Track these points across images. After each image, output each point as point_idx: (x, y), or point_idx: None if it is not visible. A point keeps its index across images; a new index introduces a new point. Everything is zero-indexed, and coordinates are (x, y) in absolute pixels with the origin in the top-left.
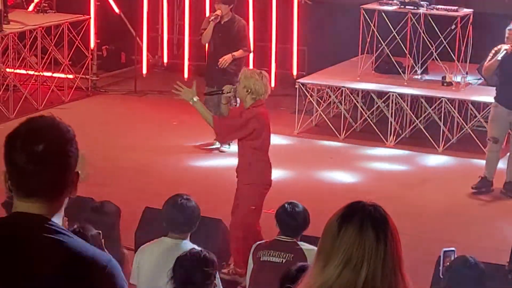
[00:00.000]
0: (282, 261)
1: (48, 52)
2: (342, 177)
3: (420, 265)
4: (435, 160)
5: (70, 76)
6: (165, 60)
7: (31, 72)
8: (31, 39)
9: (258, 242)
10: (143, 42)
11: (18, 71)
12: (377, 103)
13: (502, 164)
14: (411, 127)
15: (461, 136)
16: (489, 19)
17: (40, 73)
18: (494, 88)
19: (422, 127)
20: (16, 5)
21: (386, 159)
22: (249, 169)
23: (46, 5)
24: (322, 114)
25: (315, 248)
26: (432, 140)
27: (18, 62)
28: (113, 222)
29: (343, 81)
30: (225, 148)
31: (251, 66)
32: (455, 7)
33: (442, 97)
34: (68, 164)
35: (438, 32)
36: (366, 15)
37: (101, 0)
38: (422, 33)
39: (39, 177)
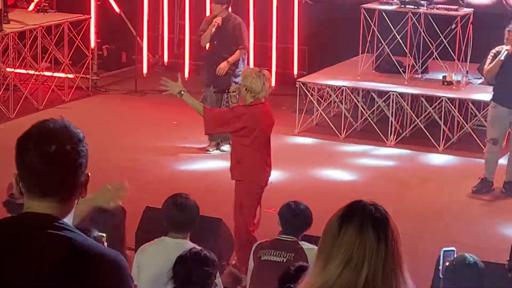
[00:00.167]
0: (283, 260)
1: (49, 51)
2: (342, 176)
3: (420, 265)
4: (435, 159)
5: (71, 76)
6: (166, 59)
7: (31, 72)
8: (31, 38)
9: (259, 241)
10: (143, 42)
11: (18, 70)
12: (377, 102)
13: (503, 160)
14: (411, 126)
15: (462, 135)
16: (489, 19)
17: (41, 72)
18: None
19: (422, 127)
20: (15, 5)
21: (386, 158)
22: (237, 167)
23: (46, 4)
24: (322, 113)
25: (316, 247)
26: (432, 140)
27: (18, 62)
28: (118, 223)
29: (343, 80)
30: (225, 148)
31: (251, 66)
32: (455, 7)
33: (443, 96)
34: (80, 164)
35: (439, 32)
36: (366, 15)
37: None
38: (422, 33)
39: (51, 178)
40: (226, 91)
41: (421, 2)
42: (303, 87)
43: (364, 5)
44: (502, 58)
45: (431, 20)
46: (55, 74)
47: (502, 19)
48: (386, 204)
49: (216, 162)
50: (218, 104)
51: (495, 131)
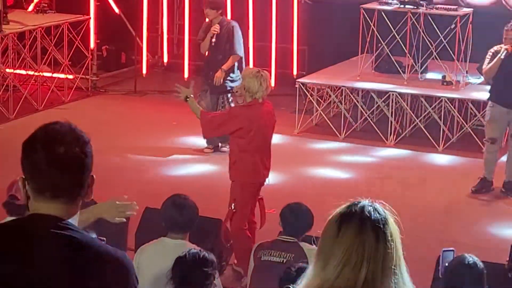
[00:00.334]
0: (283, 261)
1: (48, 52)
2: (342, 176)
3: (420, 265)
4: (435, 159)
5: (70, 76)
6: (165, 60)
7: (30, 73)
8: (31, 39)
9: (260, 242)
10: (143, 42)
11: (18, 71)
12: (377, 102)
13: (504, 158)
14: (411, 126)
15: (461, 135)
16: (489, 19)
17: (40, 73)
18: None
19: (422, 127)
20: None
21: (386, 158)
22: (233, 167)
23: (46, 5)
24: (322, 113)
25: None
26: (432, 140)
27: (18, 63)
28: (121, 226)
29: (343, 80)
30: (226, 149)
31: (251, 66)
32: (455, 7)
33: (442, 96)
34: (87, 165)
35: (438, 32)
36: (366, 15)
37: (101, 0)
38: (422, 33)
39: (59, 179)
40: (221, 94)
41: (421, 2)
42: (302, 87)
43: (364, 5)
44: (502, 57)
45: (431, 20)
46: (55, 75)
47: (501, 19)
48: (385, 204)
49: (216, 163)
50: (215, 107)
51: (493, 130)
